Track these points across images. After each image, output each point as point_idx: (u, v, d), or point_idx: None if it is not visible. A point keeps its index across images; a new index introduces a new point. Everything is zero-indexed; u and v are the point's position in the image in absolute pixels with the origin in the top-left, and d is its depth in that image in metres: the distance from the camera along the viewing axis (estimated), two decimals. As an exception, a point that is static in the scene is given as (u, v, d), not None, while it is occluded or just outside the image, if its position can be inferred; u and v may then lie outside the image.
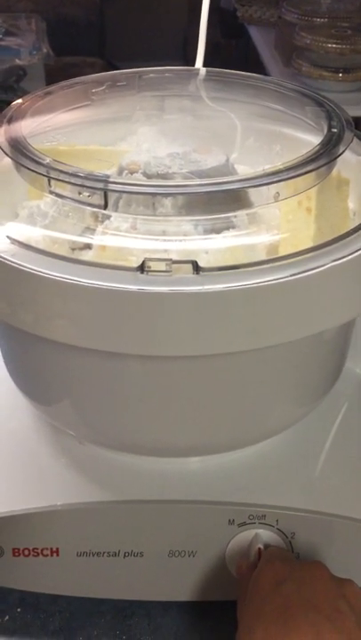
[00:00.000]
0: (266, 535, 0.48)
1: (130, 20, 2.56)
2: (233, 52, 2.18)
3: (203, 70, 0.57)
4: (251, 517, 0.48)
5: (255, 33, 1.81)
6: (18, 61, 1.48)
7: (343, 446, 0.55)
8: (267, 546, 0.48)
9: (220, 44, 2.15)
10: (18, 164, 0.44)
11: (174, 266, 0.38)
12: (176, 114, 0.55)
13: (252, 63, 1.84)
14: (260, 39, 1.75)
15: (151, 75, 0.57)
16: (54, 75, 1.66)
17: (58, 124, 0.52)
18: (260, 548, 0.47)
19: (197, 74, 0.57)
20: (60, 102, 0.53)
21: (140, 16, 2.57)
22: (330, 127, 0.47)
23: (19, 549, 0.49)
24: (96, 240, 0.43)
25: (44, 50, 1.54)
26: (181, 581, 0.50)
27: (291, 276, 0.39)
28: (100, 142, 0.53)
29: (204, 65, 0.59)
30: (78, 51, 2.14)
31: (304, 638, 0.38)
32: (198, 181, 0.44)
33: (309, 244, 0.42)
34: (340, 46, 1.42)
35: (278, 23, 1.64)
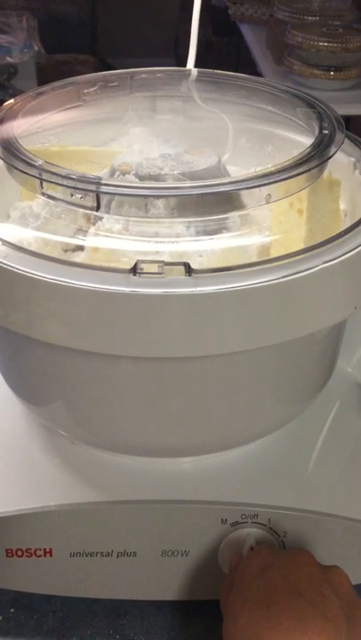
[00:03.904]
0: (258, 534, 0.48)
1: (121, 17, 2.56)
2: (224, 50, 2.18)
3: (195, 71, 0.57)
4: (243, 517, 0.48)
5: (247, 31, 1.81)
6: (9, 59, 1.48)
7: (335, 445, 0.55)
8: (259, 545, 0.48)
9: (211, 42, 2.15)
10: (9, 166, 0.44)
11: (167, 268, 0.38)
12: (168, 115, 0.55)
13: (243, 61, 1.85)
14: (252, 37, 1.75)
15: (143, 75, 0.57)
16: (46, 72, 1.66)
17: (50, 125, 0.52)
18: (252, 547, 0.48)
19: (189, 74, 0.57)
20: (51, 103, 0.53)
21: (132, 13, 2.56)
22: (321, 128, 0.47)
23: (12, 550, 0.49)
24: (88, 242, 0.43)
25: (36, 47, 1.54)
26: (174, 581, 0.50)
27: (282, 277, 0.39)
28: (91, 143, 0.53)
29: (196, 63, 0.59)
30: (70, 48, 2.13)
31: (286, 623, 0.39)
32: (190, 183, 0.44)
33: (301, 246, 0.42)
34: (331, 44, 1.42)
35: (270, 21, 1.64)
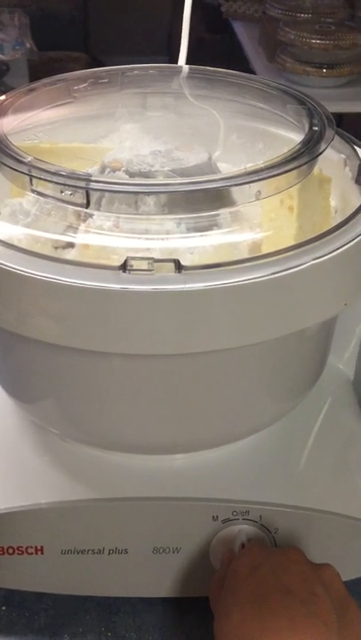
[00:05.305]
0: (249, 531, 0.48)
1: (114, 15, 2.55)
2: (217, 48, 2.17)
3: (186, 68, 0.57)
4: (234, 513, 0.48)
5: (240, 28, 1.81)
6: (1, 56, 1.48)
7: (326, 442, 0.55)
8: (250, 541, 0.48)
9: (204, 39, 2.15)
10: (-1, 162, 0.44)
11: (156, 264, 0.38)
12: (159, 111, 0.55)
13: (236, 58, 1.84)
14: (245, 34, 1.75)
15: (134, 72, 0.57)
16: (38, 70, 1.65)
17: (40, 122, 0.52)
18: (243, 544, 0.48)
19: (180, 71, 0.57)
20: (42, 99, 0.53)
21: (124, 10, 2.56)
22: (311, 125, 0.47)
23: (3, 548, 0.49)
24: (79, 239, 0.43)
25: (28, 45, 1.53)
26: (166, 578, 0.50)
27: (273, 274, 0.39)
28: (82, 140, 0.53)
29: (188, 60, 0.59)
30: (62, 45, 2.13)
31: (278, 622, 0.39)
32: (181, 180, 0.44)
33: (291, 243, 0.42)
34: (323, 42, 1.42)
35: (263, 19, 1.64)
